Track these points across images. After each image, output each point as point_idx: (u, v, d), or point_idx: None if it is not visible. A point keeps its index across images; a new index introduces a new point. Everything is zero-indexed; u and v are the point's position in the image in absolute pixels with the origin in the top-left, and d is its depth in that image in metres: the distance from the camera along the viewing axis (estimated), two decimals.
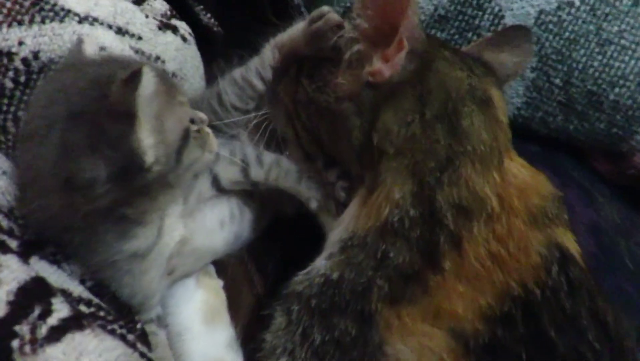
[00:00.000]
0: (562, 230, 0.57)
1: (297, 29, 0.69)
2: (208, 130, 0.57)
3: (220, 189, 0.65)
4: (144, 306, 0.58)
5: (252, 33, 0.86)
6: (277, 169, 0.66)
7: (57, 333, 0.42)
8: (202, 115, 0.57)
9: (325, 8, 0.66)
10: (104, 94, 0.44)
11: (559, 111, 0.86)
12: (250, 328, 0.65)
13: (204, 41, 0.85)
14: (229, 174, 0.65)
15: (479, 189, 0.56)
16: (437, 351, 0.50)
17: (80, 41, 0.53)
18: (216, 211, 0.65)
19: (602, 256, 0.78)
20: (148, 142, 0.46)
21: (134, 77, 0.43)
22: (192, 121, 0.55)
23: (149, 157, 0.47)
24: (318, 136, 0.65)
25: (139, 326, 0.55)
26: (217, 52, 0.87)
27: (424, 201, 0.55)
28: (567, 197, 0.86)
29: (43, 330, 0.42)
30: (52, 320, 0.43)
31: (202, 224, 0.62)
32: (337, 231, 0.60)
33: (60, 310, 0.44)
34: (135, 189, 0.49)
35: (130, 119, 0.44)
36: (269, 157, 0.67)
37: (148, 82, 0.44)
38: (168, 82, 0.52)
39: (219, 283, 0.66)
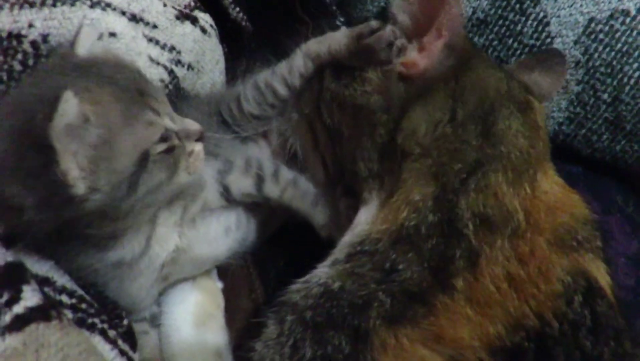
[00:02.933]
0: (591, 257, 0.51)
1: (338, 42, 0.62)
2: (194, 147, 0.52)
3: (230, 200, 0.61)
4: (133, 309, 0.56)
5: (281, 29, 0.83)
6: (293, 188, 0.62)
7: (20, 322, 0.40)
8: (191, 126, 0.51)
9: (374, 23, 0.61)
10: (33, 118, 0.40)
11: (605, 129, 0.79)
12: (245, 334, 0.61)
13: (232, 36, 0.84)
14: (241, 186, 0.61)
15: (507, 201, 0.52)
16: None
17: (77, 32, 0.50)
18: (222, 219, 0.62)
19: None
20: (75, 173, 0.42)
21: (51, 107, 0.39)
22: (165, 139, 0.48)
23: (78, 189, 0.42)
24: (339, 134, 0.62)
25: (125, 322, 0.53)
26: (245, 48, 0.85)
27: (444, 206, 0.51)
28: (607, 224, 0.81)
29: (7, 318, 0.40)
30: (19, 308, 0.41)
31: (205, 233, 0.59)
32: (348, 235, 0.56)
33: (29, 298, 0.41)
34: (89, 213, 0.45)
35: (49, 151, 0.40)
36: (286, 174, 0.63)
37: (68, 111, 0.40)
38: (129, 100, 0.46)
39: (218, 285, 0.64)
